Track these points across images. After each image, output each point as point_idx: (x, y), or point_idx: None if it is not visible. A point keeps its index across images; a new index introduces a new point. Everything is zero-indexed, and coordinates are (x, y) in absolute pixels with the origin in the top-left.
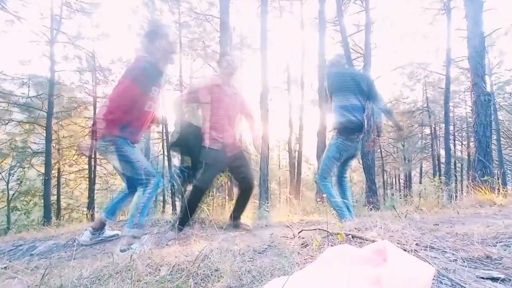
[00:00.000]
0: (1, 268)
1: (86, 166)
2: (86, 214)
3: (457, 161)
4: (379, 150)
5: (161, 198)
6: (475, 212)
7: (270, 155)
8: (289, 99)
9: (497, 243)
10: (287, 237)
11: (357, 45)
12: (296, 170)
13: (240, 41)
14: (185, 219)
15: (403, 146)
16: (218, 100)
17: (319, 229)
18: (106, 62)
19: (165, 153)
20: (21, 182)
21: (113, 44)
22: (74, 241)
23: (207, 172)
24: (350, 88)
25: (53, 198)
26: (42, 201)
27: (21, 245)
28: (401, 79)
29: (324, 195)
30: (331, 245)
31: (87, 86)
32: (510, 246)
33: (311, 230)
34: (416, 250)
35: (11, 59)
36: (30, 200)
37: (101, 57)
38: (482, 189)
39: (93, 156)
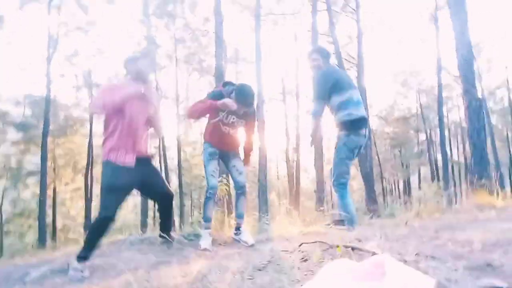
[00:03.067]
0: None
1: (82, 184)
2: (83, 235)
3: (454, 166)
4: (376, 157)
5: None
6: (474, 217)
7: (268, 166)
8: (285, 109)
9: (497, 249)
10: (287, 251)
11: (350, 55)
12: (295, 180)
13: (235, 54)
14: (85, 252)
15: (400, 152)
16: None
17: (319, 241)
18: (103, 79)
19: (163, 168)
20: (15, 204)
21: (109, 61)
22: (69, 265)
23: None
24: (350, 82)
25: (49, 219)
26: (37, 222)
27: (13, 272)
28: (394, 86)
29: (333, 201)
30: (331, 259)
31: (83, 104)
32: (510, 252)
33: (310, 243)
34: (416, 261)
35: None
36: (25, 222)
37: (97, 74)
38: (480, 192)
39: (89, 174)
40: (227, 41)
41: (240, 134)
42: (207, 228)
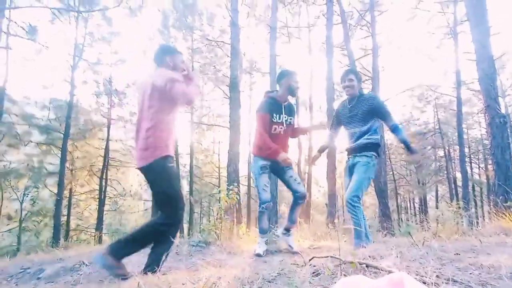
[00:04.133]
0: None
1: (97, 187)
2: (94, 236)
3: (475, 185)
4: (391, 173)
5: None
6: (500, 241)
7: None
8: (298, 121)
9: None
10: (297, 264)
11: (365, 68)
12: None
13: (250, 65)
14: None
15: (416, 168)
16: None
17: (332, 256)
18: (122, 86)
19: None
20: (34, 202)
21: (128, 69)
22: (81, 264)
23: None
24: None
25: (63, 218)
26: (53, 221)
27: (29, 268)
28: (410, 101)
29: (341, 217)
30: (344, 275)
31: (102, 109)
32: None
33: (322, 257)
34: (436, 284)
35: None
36: (41, 221)
37: (117, 81)
38: (505, 215)
39: (104, 177)
40: (243, 52)
41: (290, 137)
42: (263, 237)
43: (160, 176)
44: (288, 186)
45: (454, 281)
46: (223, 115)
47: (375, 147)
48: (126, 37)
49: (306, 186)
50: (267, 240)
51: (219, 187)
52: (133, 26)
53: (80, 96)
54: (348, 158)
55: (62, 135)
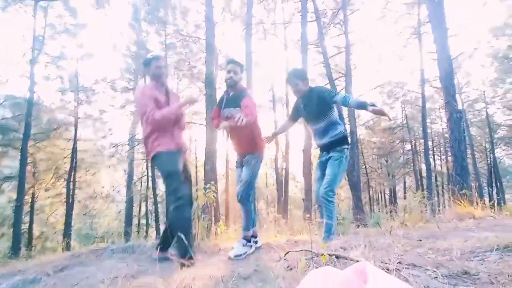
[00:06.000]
0: None
1: (64, 190)
2: (62, 243)
3: (437, 176)
4: (364, 166)
5: (144, 221)
6: (455, 226)
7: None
8: (275, 117)
9: (474, 257)
10: (273, 260)
11: (338, 65)
12: (283, 188)
13: (226, 61)
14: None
15: (387, 161)
16: None
17: (305, 250)
18: (90, 82)
19: (149, 174)
20: None
21: (97, 64)
22: (44, 275)
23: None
24: None
25: (25, 226)
26: (11, 230)
27: None
28: (381, 97)
29: (315, 211)
30: (316, 267)
31: (68, 107)
32: (485, 260)
33: (296, 251)
34: (398, 269)
35: None
36: None
37: (85, 77)
38: (461, 202)
39: (71, 179)
40: (218, 48)
41: (250, 130)
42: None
43: None
44: None
45: (413, 265)
46: (199, 112)
47: (344, 139)
48: (94, 30)
49: (283, 181)
50: (246, 242)
51: (196, 185)
52: (101, 19)
53: (41, 93)
54: (322, 153)
55: (21, 136)
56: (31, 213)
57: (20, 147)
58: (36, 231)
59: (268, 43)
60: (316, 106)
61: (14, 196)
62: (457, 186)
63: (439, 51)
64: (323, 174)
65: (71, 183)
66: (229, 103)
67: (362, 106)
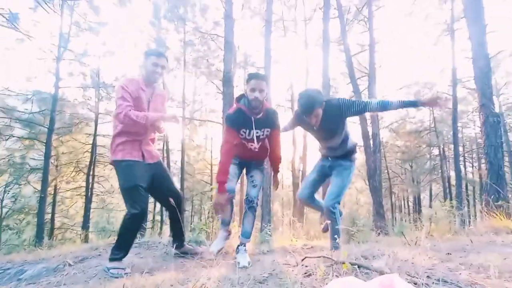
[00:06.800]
0: None
1: (84, 184)
2: (80, 234)
3: (468, 184)
4: (386, 171)
5: (158, 218)
6: (490, 240)
7: None
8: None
9: None
10: (289, 264)
11: (361, 64)
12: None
13: (244, 59)
14: (120, 253)
15: (411, 167)
16: None
17: (324, 256)
18: (110, 79)
19: None
20: (15, 199)
21: (118, 61)
22: (65, 265)
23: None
24: None
25: (47, 216)
26: (36, 219)
27: (9, 268)
28: (406, 99)
29: (329, 222)
30: (336, 275)
31: (90, 103)
32: None
33: (315, 257)
34: (427, 284)
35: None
36: (24, 219)
37: (105, 74)
38: (496, 214)
39: (91, 173)
40: (237, 46)
41: (266, 145)
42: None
43: None
44: (247, 186)
45: (444, 281)
46: (216, 110)
47: (355, 149)
48: (116, 28)
49: (299, 183)
50: (227, 235)
51: (211, 184)
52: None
53: (65, 89)
54: (327, 157)
55: (46, 129)
56: (53, 204)
57: (44, 141)
58: (57, 222)
59: (288, 41)
60: (333, 124)
61: (38, 187)
62: (492, 197)
63: (474, 49)
64: (319, 181)
65: (90, 177)
66: (259, 125)
67: (412, 104)
